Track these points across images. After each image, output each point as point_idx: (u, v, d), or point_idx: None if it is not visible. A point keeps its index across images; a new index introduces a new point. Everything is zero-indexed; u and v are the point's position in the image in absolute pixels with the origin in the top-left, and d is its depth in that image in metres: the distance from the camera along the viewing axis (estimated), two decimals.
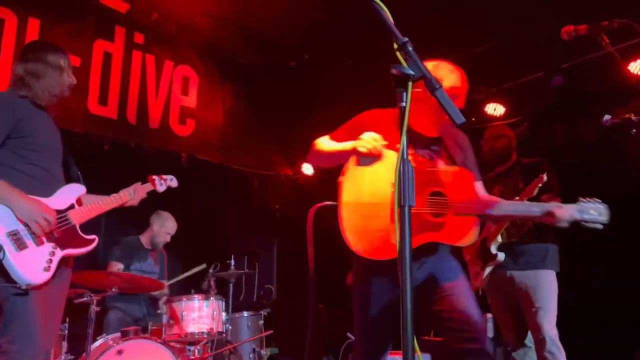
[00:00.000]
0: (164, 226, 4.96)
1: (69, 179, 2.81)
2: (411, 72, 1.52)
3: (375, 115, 2.46)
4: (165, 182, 3.24)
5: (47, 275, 2.50)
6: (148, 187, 3.11)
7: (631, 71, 4.21)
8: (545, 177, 3.47)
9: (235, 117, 6.25)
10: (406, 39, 1.55)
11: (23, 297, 2.44)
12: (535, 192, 3.49)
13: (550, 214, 2.37)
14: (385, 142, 2.24)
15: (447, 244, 2.36)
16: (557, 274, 3.69)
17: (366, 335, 2.46)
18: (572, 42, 2.69)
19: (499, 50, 4.85)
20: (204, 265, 4.90)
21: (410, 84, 1.53)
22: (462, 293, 2.33)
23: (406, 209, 1.48)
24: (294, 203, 7.00)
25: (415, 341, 1.49)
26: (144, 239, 4.96)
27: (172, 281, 4.87)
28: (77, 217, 2.69)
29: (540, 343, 3.47)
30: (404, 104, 1.53)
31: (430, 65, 2.39)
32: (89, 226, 2.77)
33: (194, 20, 5.49)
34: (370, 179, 2.28)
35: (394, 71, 1.54)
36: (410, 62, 1.53)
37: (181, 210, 5.16)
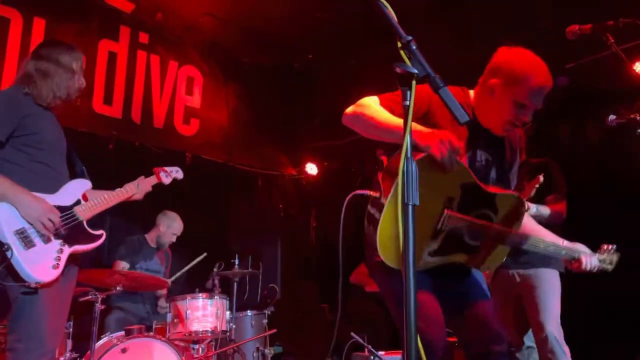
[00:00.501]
0: (171, 227, 4.97)
1: (73, 176, 2.79)
2: (415, 71, 1.52)
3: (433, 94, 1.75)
4: (170, 175, 3.17)
5: (56, 273, 2.48)
6: (153, 180, 3.06)
7: (636, 71, 4.19)
8: (541, 179, 3.45)
9: (239, 117, 6.27)
10: (410, 38, 1.54)
11: (32, 296, 2.42)
12: (533, 192, 3.47)
13: (577, 261, 2.38)
14: (461, 153, 1.96)
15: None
16: (562, 276, 3.67)
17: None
18: (577, 41, 2.68)
19: None
20: (204, 255, 4.80)
21: (414, 82, 1.53)
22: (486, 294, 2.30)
23: (410, 207, 1.48)
24: (297, 203, 7.01)
25: (419, 341, 1.48)
26: (150, 237, 4.97)
27: (175, 276, 4.83)
28: (83, 213, 2.67)
29: (542, 342, 3.43)
30: (407, 102, 1.53)
31: (506, 54, 2.25)
32: (95, 225, 2.77)
33: (198, 20, 5.51)
34: (423, 183, 1.60)
35: (397, 70, 1.53)
36: (414, 60, 1.52)
37: (185, 210, 5.17)
